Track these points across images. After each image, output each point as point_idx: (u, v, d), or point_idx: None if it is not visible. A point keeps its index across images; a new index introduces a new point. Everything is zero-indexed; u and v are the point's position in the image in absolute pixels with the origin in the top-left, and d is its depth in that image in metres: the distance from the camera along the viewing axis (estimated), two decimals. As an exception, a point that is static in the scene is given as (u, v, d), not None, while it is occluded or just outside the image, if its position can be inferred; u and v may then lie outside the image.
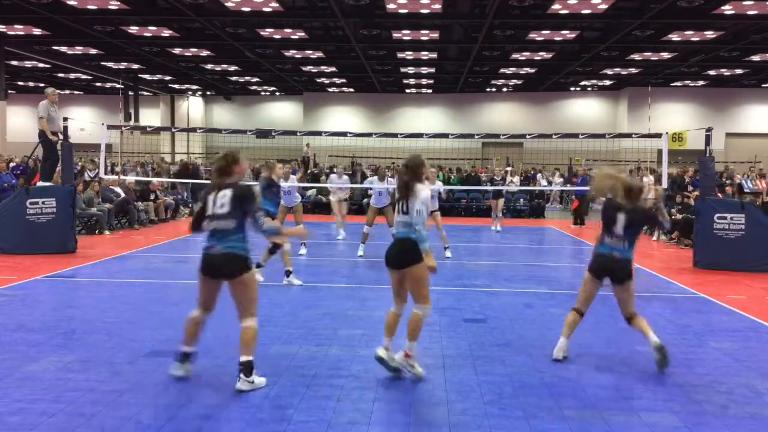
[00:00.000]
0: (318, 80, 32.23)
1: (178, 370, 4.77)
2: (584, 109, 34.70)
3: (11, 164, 18.02)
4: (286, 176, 11.10)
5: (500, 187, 16.01)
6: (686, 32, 20.29)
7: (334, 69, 28.57)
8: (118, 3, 17.84)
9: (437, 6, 17.57)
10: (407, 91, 35.25)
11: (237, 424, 4.07)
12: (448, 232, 11.87)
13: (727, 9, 17.37)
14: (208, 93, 37.86)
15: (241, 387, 4.56)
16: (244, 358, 4.58)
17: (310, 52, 24.58)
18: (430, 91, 35.01)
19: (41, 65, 28.04)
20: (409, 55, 24.77)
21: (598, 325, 6.76)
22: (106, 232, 13.80)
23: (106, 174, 14.89)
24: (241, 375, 4.57)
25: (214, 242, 4.62)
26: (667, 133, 12.21)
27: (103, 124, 13.51)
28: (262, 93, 37.83)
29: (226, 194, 4.62)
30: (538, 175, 27.18)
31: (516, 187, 17.46)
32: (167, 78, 32.18)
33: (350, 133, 14.53)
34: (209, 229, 4.67)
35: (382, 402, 4.49)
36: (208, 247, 4.64)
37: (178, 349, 4.79)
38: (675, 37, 20.88)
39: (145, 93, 34.97)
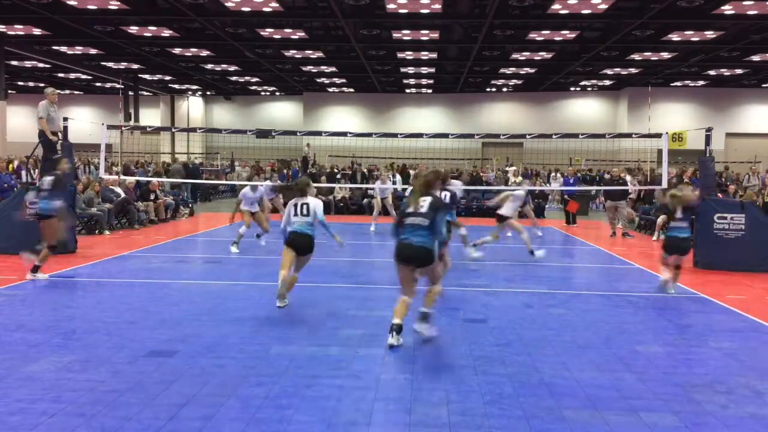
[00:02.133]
0: (318, 80, 32.23)
1: (394, 339, 5.64)
2: (584, 109, 34.72)
3: (16, 164, 18.02)
4: (250, 175, 11.32)
5: (507, 187, 15.50)
6: (686, 32, 20.30)
7: (334, 69, 28.58)
8: (118, 3, 17.85)
9: (437, 6, 17.57)
10: (407, 91, 35.25)
11: (237, 424, 4.07)
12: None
13: (727, 9, 17.38)
14: (208, 93, 37.86)
15: (418, 329, 5.76)
16: (425, 309, 5.78)
17: (310, 52, 24.58)
18: (430, 91, 35.01)
19: (41, 65, 28.06)
20: (409, 55, 24.77)
21: (598, 324, 6.77)
22: (106, 232, 13.80)
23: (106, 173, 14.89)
24: (420, 321, 5.75)
25: (409, 235, 5.67)
26: (667, 133, 12.22)
27: (103, 124, 13.51)
28: (262, 93, 37.84)
29: (427, 199, 5.81)
30: (551, 175, 27.02)
31: (523, 189, 17.04)
32: (167, 78, 32.19)
33: (350, 133, 14.54)
34: (407, 223, 5.72)
35: (382, 402, 4.49)
36: (404, 239, 5.70)
37: (393, 321, 5.67)
38: (675, 37, 20.89)
39: (145, 93, 34.98)
